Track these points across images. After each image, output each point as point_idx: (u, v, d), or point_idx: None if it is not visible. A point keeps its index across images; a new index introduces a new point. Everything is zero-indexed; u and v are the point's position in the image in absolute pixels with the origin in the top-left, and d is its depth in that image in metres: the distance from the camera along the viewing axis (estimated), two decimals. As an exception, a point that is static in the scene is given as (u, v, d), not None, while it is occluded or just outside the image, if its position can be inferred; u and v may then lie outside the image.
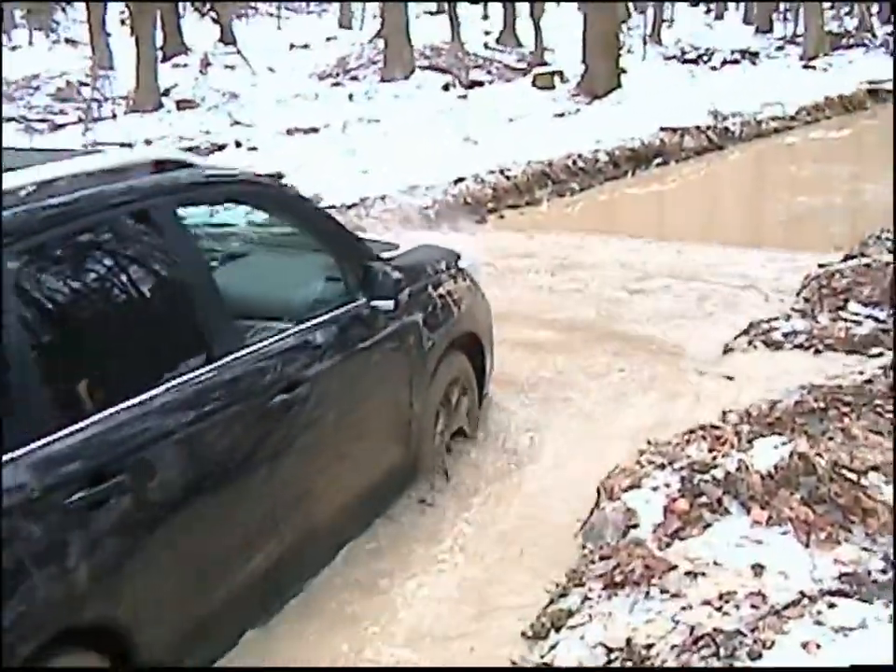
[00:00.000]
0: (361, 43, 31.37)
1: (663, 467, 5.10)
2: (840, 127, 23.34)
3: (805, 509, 4.60)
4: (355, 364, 5.16)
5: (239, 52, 30.41)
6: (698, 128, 19.47)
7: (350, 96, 23.24)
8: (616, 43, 23.70)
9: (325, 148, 15.70)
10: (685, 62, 31.72)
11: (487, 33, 36.69)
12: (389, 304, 5.29)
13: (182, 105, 23.36)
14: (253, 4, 47.97)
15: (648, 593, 4.26)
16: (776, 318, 8.09)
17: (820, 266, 9.53)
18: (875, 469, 4.98)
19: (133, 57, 23.55)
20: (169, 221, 4.40)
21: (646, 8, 38.26)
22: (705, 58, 32.93)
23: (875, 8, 50.61)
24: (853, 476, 4.82)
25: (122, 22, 33.94)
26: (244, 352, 4.48)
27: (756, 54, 33.97)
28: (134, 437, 3.84)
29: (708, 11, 60.19)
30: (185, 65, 29.51)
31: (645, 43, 33.06)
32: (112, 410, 3.78)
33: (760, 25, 43.29)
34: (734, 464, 4.94)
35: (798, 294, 8.91)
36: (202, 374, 4.21)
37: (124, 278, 4.24)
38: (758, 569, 4.25)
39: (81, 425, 3.65)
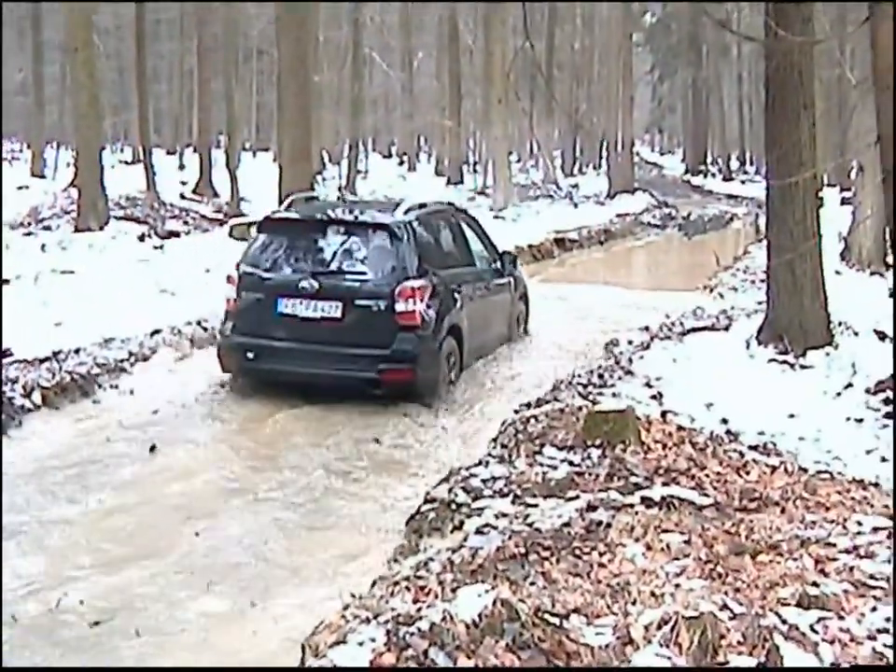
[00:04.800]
0: (54, 192, 30.72)
1: (368, 621, 5.03)
2: (531, 275, 24.20)
3: (510, 655, 4.62)
4: (500, 286, 14.08)
5: (-78, 201, 29.36)
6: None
7: (43, 246, 22.60)
8: (311, 193, 24.01)
9: (16, 300, 15.11)
10: (380, 212, 32.36)
11: (184, 182, 36.63)
12: (512, 268, 14.58)
13: None
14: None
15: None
16: (475, 465, 8.16)
17: (516, 412, 9.75)
18: (576, 611, 5.07)
19: None
20: (459, 223, 13.78)
21: (340, 159, 39.07)
22: (399, 209, 33.69)
23: (558, 162, 53.11)
24: (555, 620, 4.88)
25: None
26: (477, 267, 13.60)
27: (448, 205, 34.98)
28: (460, 278, 12.62)
29: (402, 163, 62.12)
30: None
31: (340, 194, 33.63)
32: (453, 270, 12.55)
33: (451, 177, 44.84)
34: (438, 614, 4.92)
35: (495, 440, 9.04)
36: (471, 268, 13.36)
37: (451, 237, 13.36)
38: (465, 721, 4.23)
39: (447, 272, 12.22)
